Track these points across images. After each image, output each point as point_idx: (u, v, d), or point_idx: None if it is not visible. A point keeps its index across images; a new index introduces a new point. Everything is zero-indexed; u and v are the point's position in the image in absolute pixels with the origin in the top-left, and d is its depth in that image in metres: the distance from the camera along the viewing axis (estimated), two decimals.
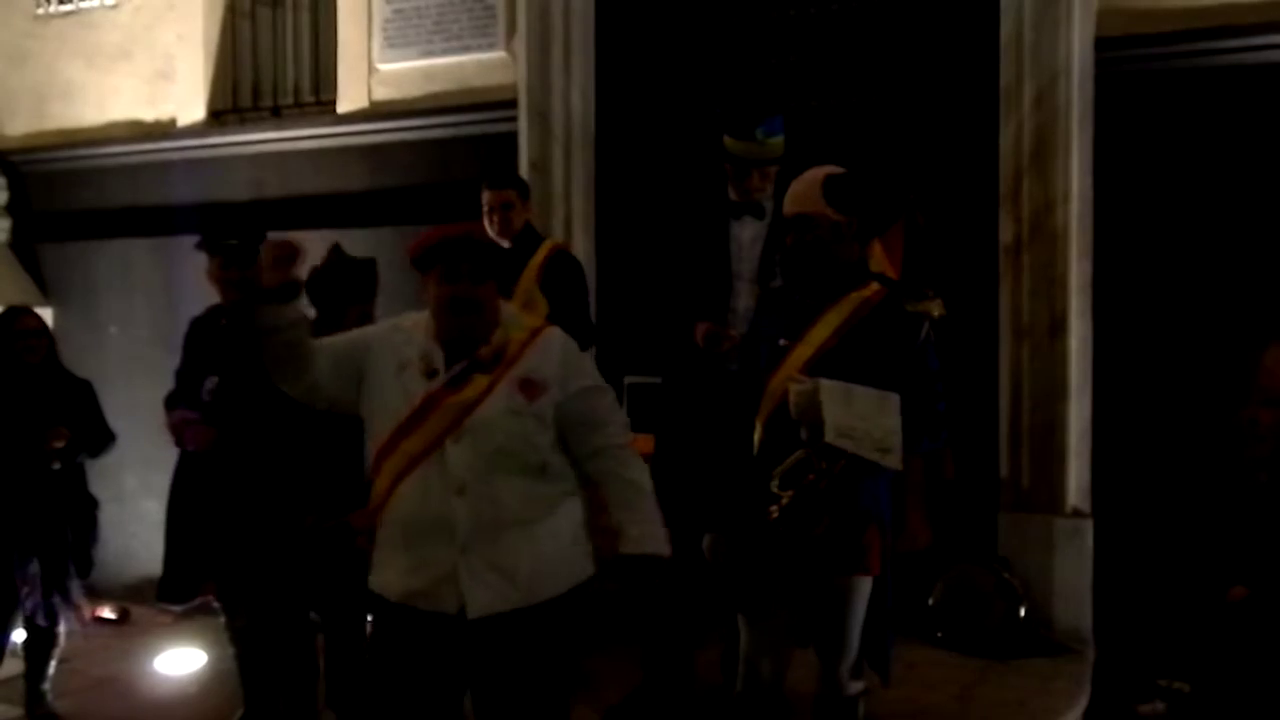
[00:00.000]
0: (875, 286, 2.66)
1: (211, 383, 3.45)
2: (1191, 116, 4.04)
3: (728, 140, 3.37)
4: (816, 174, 2.66)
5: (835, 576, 2.59)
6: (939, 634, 4.02)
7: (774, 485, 2.54)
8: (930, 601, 4.06)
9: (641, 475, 2.42)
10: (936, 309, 2.64)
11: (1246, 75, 3.94)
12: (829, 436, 2.44)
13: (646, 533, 2.36)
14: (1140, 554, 4.10)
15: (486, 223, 3.97)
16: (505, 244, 3.95)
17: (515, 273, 3.91)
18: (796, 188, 2.67)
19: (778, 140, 3.37)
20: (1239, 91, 3.96)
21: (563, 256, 4.07)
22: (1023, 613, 3.98)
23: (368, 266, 3.63)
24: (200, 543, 3.57)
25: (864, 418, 2.44)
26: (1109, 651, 4.02)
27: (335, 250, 3.63)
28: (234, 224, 3.99)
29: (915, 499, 2.68)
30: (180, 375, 3.72)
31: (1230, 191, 3.99)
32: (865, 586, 2.62)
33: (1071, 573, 4.09)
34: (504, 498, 2.30)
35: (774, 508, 2.52)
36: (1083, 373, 4.15)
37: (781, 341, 2.63)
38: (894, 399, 2.48)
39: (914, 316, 2.61)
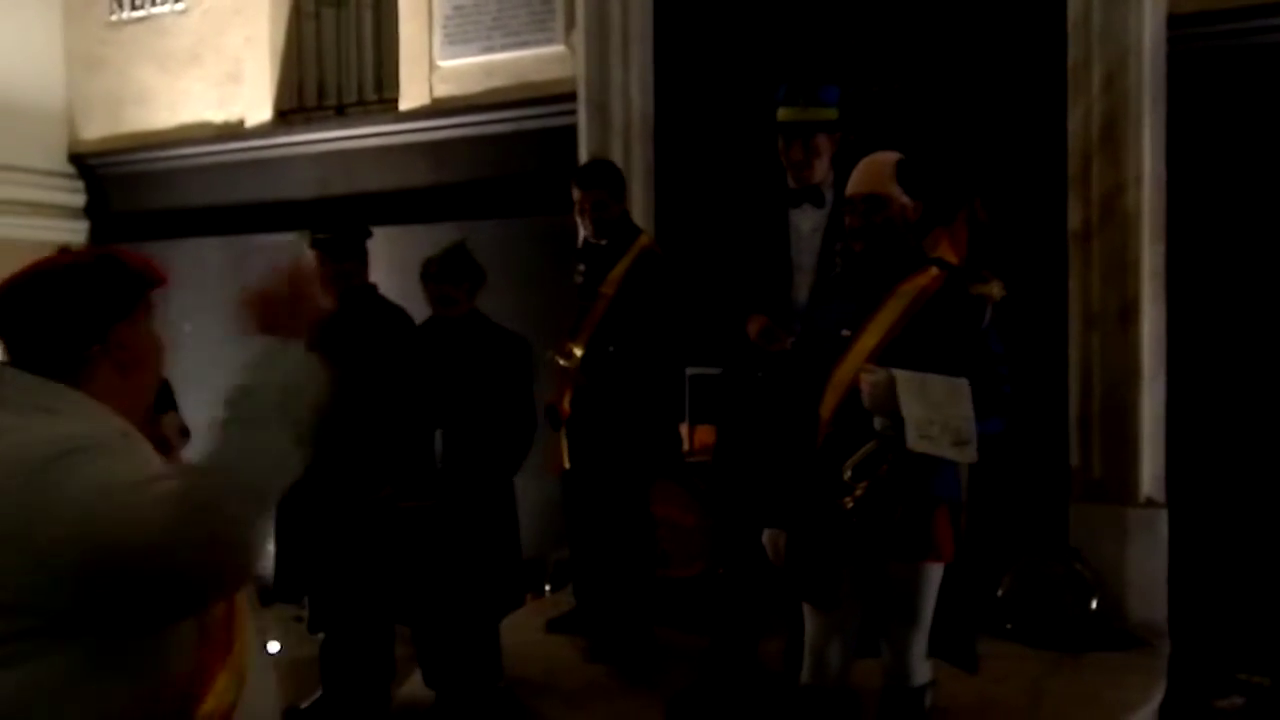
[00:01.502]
0: (935, 271, 2.62)
1: None
2: (1268, 94, 3.91)
3: (779, 110, 3.32)
4: (887, 156, 2.63)
5: (907, 563, 2.57)
6: (1008, 626, 3.96)
7: (847, 476, 2.52)
8: (999, 593, 4.01)
9: None
10: (998, 290, 2.59)
11: None
12: (910, 442, 2.42)
13: None
14: (1217, 544, 4.00)
15: (578, 220, 3.89)
16: (600, 242, 3.86)
17: (608, 271, 3.83)
18: (865, 168, 2.63)
19: (826, 109, 3.28)
20: None
21: (649, 259, 3.82)
22: (1095, 605, 3.90)
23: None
24: (308, 539, 3.59)
25: (939, 407, 2.41)
26: (1185, 644, 3.92)
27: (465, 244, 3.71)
28: (334, 218, 3.91)
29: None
30: None
31: None
32: (936, 574, 2.60)
33: (1145, 564, 4.00)
34: None
35: (848, 499, 2.51)
36: (1156, 359, 4.05)
37: (844, 332, 2.61)
38: (965, 385, 2.45)
39: (976, 299, 2.57)
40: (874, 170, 2.61)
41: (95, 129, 6.65)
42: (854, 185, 2.63)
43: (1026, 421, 2.75)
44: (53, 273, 1.48)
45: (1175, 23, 3.99)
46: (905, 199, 2.58)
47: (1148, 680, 3.64)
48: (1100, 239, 4.07)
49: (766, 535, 2.72)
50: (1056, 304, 4.14)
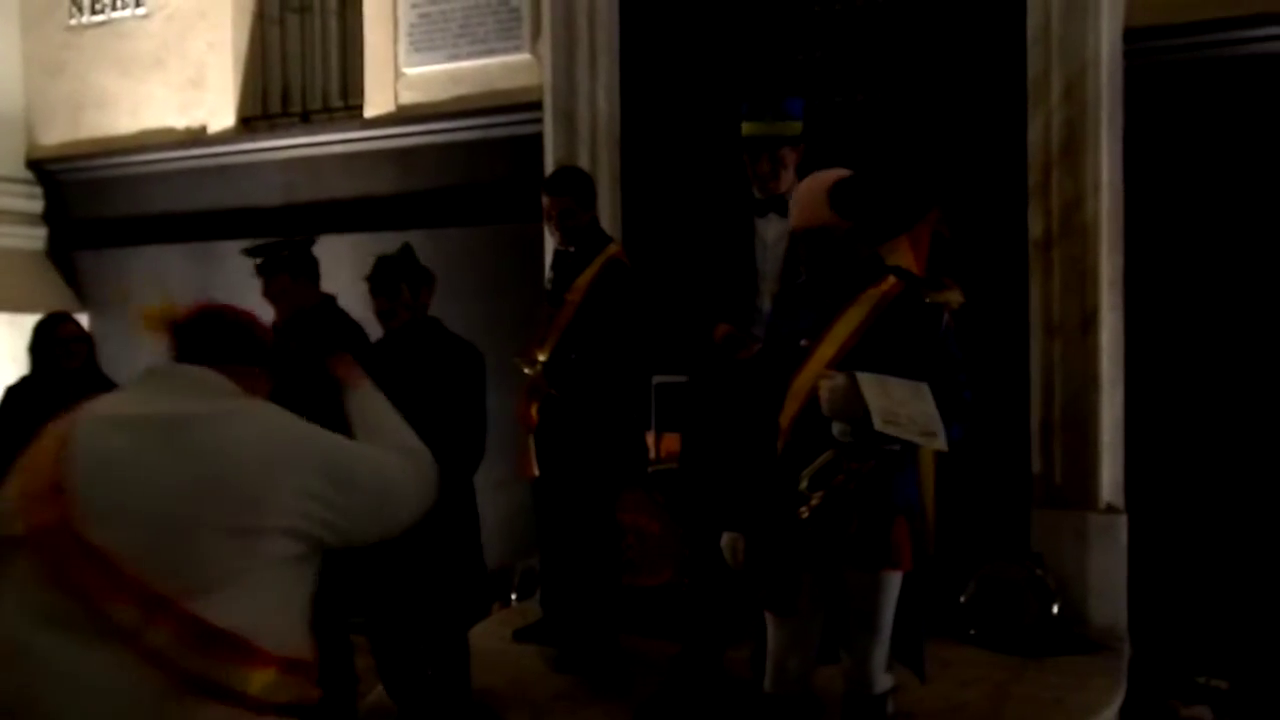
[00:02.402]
0: (892, 280, 2.64)
1: None
2: (1224, 106, 3.99)
3: (743, 124, 3.35)
4: (821, 182, 2.62)
5: (865, 572, 2.59)
6: (971, 631, 3.99)
7: (803, 486, 2.53)
8: (962, 599, 4.04)
9: None
10: (956, 298, 2.61)
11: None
12: (877, 424, 2.43)
13: None
14: (1176, 549, 4.06)
15: (547, 227, 3.93)
16: (569, 249, 3.84)
17: (575, 278, 3.80)
18: (800, 199, 2.63)
19: (791, 123, 3.32)
20: (1272, 80, 3.91)
21: (614, 269, 3.81)
22: (1056, 609, 3.95)
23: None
24: None
25: (903, 404, 2.43)
26: (1145, 648, 3.98)
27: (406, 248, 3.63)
28: (268, 233, 3.89)
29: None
30: None
31: (1263, 182, 3.94)
32: (895, 581, 2.61)
33: (1106, 569, 4.05)
34: None
35: (804, 508, 2.52)
36: (1115, 367, 4.11)
37: (803, 342, 2.62)
38: (925, 387, 2.47)
39: (934, 307, 2.59)
40: (809, 200, 2.60)
41: (54, 134, 6.56)
42: (794, 217, 2.65)
43: (988, 428, 2.77)
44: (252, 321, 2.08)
45: (1132, 36, 4.06)
46: (842, 223, 2.58)
47: (1109, 683, 3.69)
48: (1060, 248, 4.13)
49: (725, 539, 2.73)
50: (1018, 312, 4.19)
